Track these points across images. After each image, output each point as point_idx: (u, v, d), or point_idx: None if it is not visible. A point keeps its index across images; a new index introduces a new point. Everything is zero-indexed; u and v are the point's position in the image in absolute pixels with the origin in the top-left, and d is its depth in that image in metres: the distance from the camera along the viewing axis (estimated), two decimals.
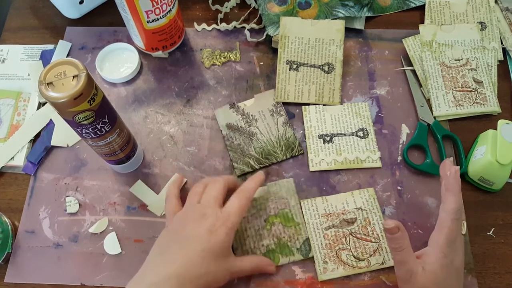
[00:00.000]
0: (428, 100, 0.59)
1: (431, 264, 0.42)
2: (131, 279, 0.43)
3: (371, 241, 0.51)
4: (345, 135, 0.56)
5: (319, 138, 0.56)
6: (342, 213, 0.52)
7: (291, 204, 0.53)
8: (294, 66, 0.57)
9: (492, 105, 0.58)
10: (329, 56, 0.58)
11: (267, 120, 0.57)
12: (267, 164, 0.55)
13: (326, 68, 0.56)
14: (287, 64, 0.57)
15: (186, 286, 0.41)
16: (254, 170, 0.55)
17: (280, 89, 0.58)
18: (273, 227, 0.51)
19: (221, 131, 0.57)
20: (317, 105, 0.58)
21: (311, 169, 0.55)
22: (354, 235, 0.51)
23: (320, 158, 0.55)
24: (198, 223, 0.44)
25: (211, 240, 0.43)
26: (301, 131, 0.58)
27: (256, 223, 0.52)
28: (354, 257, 0.50)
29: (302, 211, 0.52)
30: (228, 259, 0.45)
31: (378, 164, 0.55)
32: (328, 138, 0.56)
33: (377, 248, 0.50)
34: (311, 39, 0.58)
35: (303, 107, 0.58)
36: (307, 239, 0.51)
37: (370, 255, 0.50)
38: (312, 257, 0.50)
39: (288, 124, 0.57)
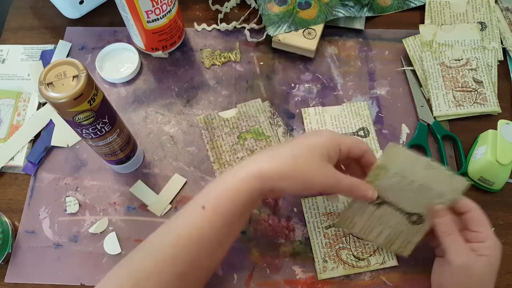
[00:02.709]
0: (428, 100, 0.59)
1: (488, 249, 0.42)
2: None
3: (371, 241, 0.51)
4: (346, 135, 0.56)
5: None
6: None
7: (260, 121, 0.57)
8: (377, 201, 0.45)
9: (492, 105, 0.58)
10: (426, 208, 0.45)
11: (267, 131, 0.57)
12: None
13: (414, 218, 0.46)
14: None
15: (271, 157, 0.41)
16: None
17: (347, 216, 0.47)
18: (245, 142, 0.55)
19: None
20: (316, 107, 0.58)
21: None
22: (354, 235, 0.51)
23: None
24: (309, 132, 0.48)
25: (313, 138, 0.42)
26: (301, 132, 0.58)
27: (230, 140, 0.56)
28: (354, 256, 0.50)
29: (271, 126, 0.56)
30: (326, 164, 0.41)
31: None
32: None
33: (377, 247, 0.50)
34: (415, 182, 0.44)
35: (302, 109, 0.58)
36: None
37: (370, 255, 0.50)
38: (313, 256, 0.50)
39: (289, 134, 0.57)
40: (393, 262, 0.50)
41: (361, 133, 0.56)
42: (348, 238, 0.51)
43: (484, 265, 0.42)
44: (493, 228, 0.52)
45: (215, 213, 0.40)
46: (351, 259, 0.50)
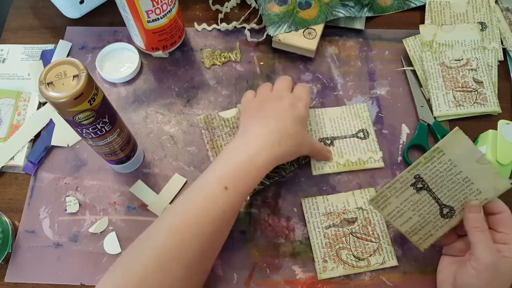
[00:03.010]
0: (428, 100, 0.59)
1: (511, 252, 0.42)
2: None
3: (371, 241, 0.51)
4: (345, 137, 0.56)
5: (320, 141, 0.56)
6: (343, 213, 0.52)
7: None
8: (419, 185, 0.45)
9: (492, 105, 0.58)
10: (460, 203, 0.45)
11: None
12: (277, 178, 0.54)
13: (446, 211, 0.46)
14: (414, 178, 0.45)
15: (284, 138, 0.47)
16: (265, 186, 0.54)
17: (385, 195, 0.47)
18: None
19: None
20: (316, 109, 0.58)
21: (314, 173, 0.55)
22: (354, 235, 0.51)
23: (323, 162, 0.55)
24: (278, 102, 0.50)
25: (295, 112, 0.50)
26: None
27: (230, 140, 0.56)
28: (354, 256, 0.50)
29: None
30: (307, 133, 0.52)
31: (381, 164, 0.55)
32: (328, 142, 0.56)
33: (377, 248, 0.50)
34: (462, 174, 0.44)
35: None
36: None
37: (370, 255, 0.50)
38: (313, 256, 0.50)
39: None
40: (393, 262, 0.50)
41: (361, 135, 0.56)
42: (348, 238, 0.51)
43: (507, 266, 0.42)
44: None
45: (237, 195, 0.44)
46: (351, 259, 0.50)
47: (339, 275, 0.49)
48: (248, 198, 0.54)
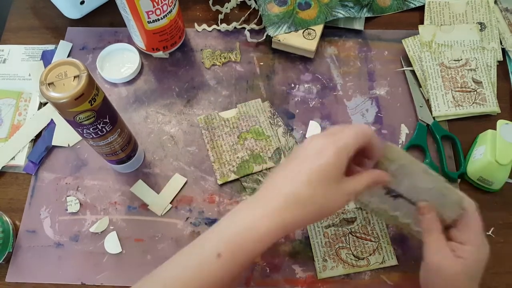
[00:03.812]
0: (427, 101, 0.59)
1: (466, 252, 0.41)
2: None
3: (370, 240, 0.51)
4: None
5: None
6: (342, 212, 0.52)
7: (260, 121, 0.57)
8: (394, 194, 0.45)
9: (492, 105, 0.58)
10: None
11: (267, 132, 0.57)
12: None
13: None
14: (383, 188, 0.44)
15: (291, 206, 0.37)
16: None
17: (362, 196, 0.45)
18: (245, 142, 0.56)
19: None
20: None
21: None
22: (354, 234, 0.51)
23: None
24: (309, 144, 0.40)
25: (318, 161, 0.38)
26: (301, 131, 0.58)
27: (230, 140, 0.56)
28: (354, 256, 0.50)
29: (271, 126, 0.57)
30: (341, 182, 0.39)
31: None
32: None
33: (377, 247, 0.51)
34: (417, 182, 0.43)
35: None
36: (278, 148, 0.55)
37: (370, 254, 0.50)
38: (312, 255, 0.50)
39: (289, 134, 0.57)
40: (392, 262, 0.50)
41: None
42: (347, 237, 0.51)
43: (460, 268, 0.41)
44: (492, 229, 0.52)
45: (232, 262, 0.37)
46: (350, 258, 0.50)
47: (339, 274, 0.50)
48: (248, 197, 0.54)
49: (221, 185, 0.55)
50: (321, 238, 0.51)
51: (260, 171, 0.55)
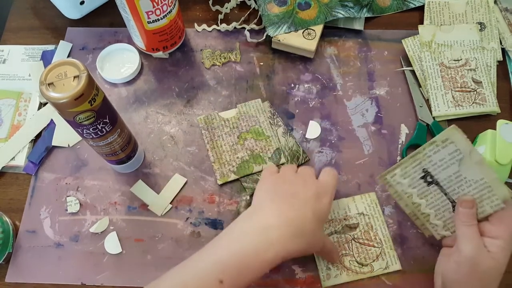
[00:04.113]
0: (427, 100, 0.59)
1: (498, 248, 0.41)
2: (243, 219, 0.44)
3: (373, 246, 0.51)
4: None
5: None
6: (344, 219, 0.52)
7: (260, 121, 0.57)
8: (429, 179, 0.46)
9: (491, 105, 0.58)
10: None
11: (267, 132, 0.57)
12: None
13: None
14: (423, 171, 0.46)
15: (297, 237, 0.42)
16: None
17: (393, 174, 0.47)
18: (245, 142, 0.56)
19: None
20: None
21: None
22: (356, 241, 0.51)
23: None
24: (302, 187, 0.45)
25: (317, 206, 0.44)
26: (301, 131, 0.58)
27: (230, 140, 0.56)
28: (357, 262, 0.50)
29: (271, 126, 0.57)
30: (322, 232, 0.48)
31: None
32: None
33: (380, 253, 0.50)
34: (468, 174, 0.44)
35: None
36: (277, 148, 0.55)
37: (373, 260, 0.50)
38: (313, 254, 0.50)
39: (288, 134, 0.57)
40: (396, 267, 0.50)
41: None
42: (350, 244, 0.51)
43: (490, 261, 0.41)
44: None
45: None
46: (354, 266, 0.50)
47: (343, 281, 0.49)
48: (248, 197, 0.54)
49: (221, 185, 0.55)
50: None
51: (260, 171, 0.55)
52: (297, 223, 0.42)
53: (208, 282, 0.39)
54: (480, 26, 0.63)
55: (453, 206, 0.45)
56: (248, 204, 0.54)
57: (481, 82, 0.59)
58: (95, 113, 0.42)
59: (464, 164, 0.43)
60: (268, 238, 0.41)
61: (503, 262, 0.42)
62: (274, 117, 0.58)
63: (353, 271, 0.50)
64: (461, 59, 0.60)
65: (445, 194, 0.45)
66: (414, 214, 0.48)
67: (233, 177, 0.55)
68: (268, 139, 0.57)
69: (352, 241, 0.51)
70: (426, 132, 0.57)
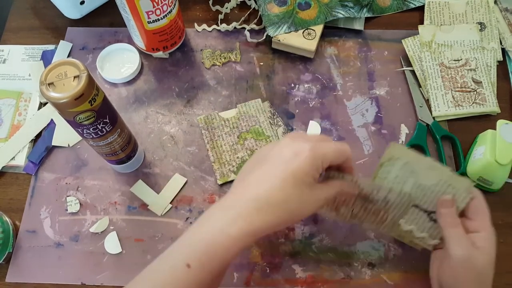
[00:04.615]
0: (427, 101, 0.59)
1: (484, 241, 0.41)
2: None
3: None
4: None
5: None
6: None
7: (260, 121, 0.57)
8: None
9: (491, 105, 0.58)
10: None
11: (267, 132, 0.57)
12: None
13: (434, 216, 0.45)
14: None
15: (263, 210, 0.37)
16: None
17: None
18: (245, 142, 0.56)
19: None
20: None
21: None
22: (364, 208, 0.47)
23: None
24: (285, 146, 0.39)
25: (294, 163, 0.37)
26: (301, 131, 0.58)
27: (230, 140, 0.56)
28: (352, 213, 0.46)
29: (271, 126, 0.56)
30: (313, 188, 0.39)
31: None
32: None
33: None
34: (422, 180, 0.44)
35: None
36: None
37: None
38: (313, 254, 0.50)
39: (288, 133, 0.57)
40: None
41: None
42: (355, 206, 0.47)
43: (483, 257, 0.41)
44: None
45: (203, 271, 0.36)
46: (347, 212, 0.46)
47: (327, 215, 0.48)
48: None
49: (221, 185, 0.55)
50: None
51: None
52: (260, 197, 0.37)
53: (175, 267, 0.36)
54: (480, 26, 0.63)
55: (429, 215, 0.45)
56: None
57: (481, 82, 0.59)
58: (95, 113, 0.42)
59: (418, 174, 0.44)
60: (231, 214, 0.37)
61: (493, 252, 0.42)
62: (274, 117, 0.58)
63: (341, 215, 0.46)
64: (461, 59, 0.60)
65: (417, 207, 0.45)
66: (399, 235, 0.48)
67: (233, 177, 0.55)
68: (268, 139, 0.57)
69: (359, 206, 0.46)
70: (426, 132, 0.57)
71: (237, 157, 0.56)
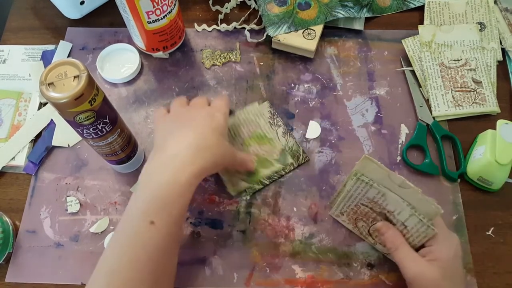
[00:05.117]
0: (427, 101, 0.59)
1: (436, 252, 0.42)
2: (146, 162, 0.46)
3: None
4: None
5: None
6: (388, 211, 0.47)
7: (261, 124, 0.57)
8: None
9: (491, 105, 0.58)
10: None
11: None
12: (276, 178, 0.55)
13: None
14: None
15: (201, 152, 0.44)
16: (265, 186, 0.54)
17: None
18: (250, 148, 0.55)
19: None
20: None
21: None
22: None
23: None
24: (194, 112, 0.48)
25: (214, 121, 0.47)
26: (301, 131, 0.58)
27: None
28: (368, 231, 0.49)
29: (271, 127, 0.57)
30: (228, 143, 0.49)
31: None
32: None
33: None
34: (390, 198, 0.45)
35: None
36: (283, 149, 0.55)
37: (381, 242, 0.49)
38: (313, 254, 0.50)
39: (289, 134, 0.57)
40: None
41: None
42: (373, 220, 0.48)
43: (436, 270, 0.41)
44: (492, 228, 0.52)
45: (167, 224, 0.40)
46: (363, 229, 0.50)
47: (345, 226, 0.51)
48: (248, 197, 0.54)
49: (221, 185, 0.55)
50: (350, 205, 0.48)
51: (269, 175, 0.54)
52: (199, 140, 0.44)
53: (139, 228, 0.39)
54: (480, 26, 0.63)
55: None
56: (248, 204, 0.54)
57: (481, 82, 0.59)
58: (95, 113, 0.42)
59: (386, 192, 0.44)
60: (178, 162, 0.42)
61: (449, 264, 0.42)
62: (274, 117, 0.58)
63: (359, 231, 0.50)
64: (461, 59, 0.60)
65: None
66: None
67: (245, 185, 0.54)
68: (272, 142, 0.56)
69: (375, 221, 0.48)
70: (426, 132, 0.57)
71: None
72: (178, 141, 0.45)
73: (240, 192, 0.54)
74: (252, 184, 0.54)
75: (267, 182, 0.54)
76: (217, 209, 0.54)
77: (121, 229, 0.42)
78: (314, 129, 0.58)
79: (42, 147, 0.57)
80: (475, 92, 0.58)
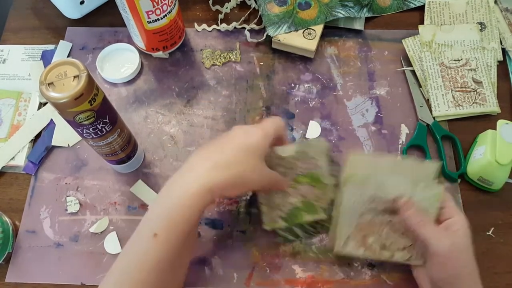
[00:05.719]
0: (427, 101, 0.59)
1: (459, 222, 0.43)
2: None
3: (406, 237, 0.47)
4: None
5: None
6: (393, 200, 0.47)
7: (319, 165, 0.50)
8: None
9: (492, 105, 0.58)
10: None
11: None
12: (312, 233, 0.52)
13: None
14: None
15: (218, 168, 0.41)
16: (295, 240, 0.52)
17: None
18: (300, 186, 0.49)
19: None
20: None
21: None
22: (392, 226, 0.47)
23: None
24: (236, 129, 0.45)
25: (246, 138, 0.43)
26: (301, 131, 0.58)
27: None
28: (381, 244, 0.47)
29: (332, 173, 0.50)
30: (262, 163, 0.44)
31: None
32: None
33: (410, 246, 0.47)
34: (385, 183, 0.45)
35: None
36: (333, 200, 0.50)
37: (398, 249, 0.47)
38: (313, 254, 0.50)
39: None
40: (418, 262, 0.46)
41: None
42: (383, 227, 0.47)
43: (465, 238, 0.43)
44: (492, 229, 0.52)
45: (171, 237, 0.39)
46: (375, 246, 0.47)
47: (357, 256, 0.48)
48: (248, 197, 0.54)
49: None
50: (354, 219, 0.47)
51: (311, 221, 0.50)
52: (217, 157, 0.42)
53: (142, 239, 0.40)
54: (481, 26, 0.63)
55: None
56: (248, 204, 0.54)
57: (481, 82, 0.59)
58: (95, 113, 0.42)
59: (380, 184, 0.45)
60: (192, 175, 0.41)
61: (468, 230, 0.43)
62: (333, 163, 0.53)
63: (372, 250, 0.47)
64: (461, 59, 0.60)
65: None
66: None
67: (282, 224, 0.49)
68: (325, 188, 0.50)
69: (387, 224, 0.47)
70: (426, 132, 0.57)
71: (289, 203, 0.49)
72: (201, 156, 0.43)
73: (274, 229, 0.50)
74: (291, 226, 0.50)
75: (301, 236, 0.51)
76: (217, 209, 0.54)
77: (129, 241, 0.42)
78: (314, 129, 0.58)
79: (42, 147, 0.57)
80: (475, 92, 0.58)
